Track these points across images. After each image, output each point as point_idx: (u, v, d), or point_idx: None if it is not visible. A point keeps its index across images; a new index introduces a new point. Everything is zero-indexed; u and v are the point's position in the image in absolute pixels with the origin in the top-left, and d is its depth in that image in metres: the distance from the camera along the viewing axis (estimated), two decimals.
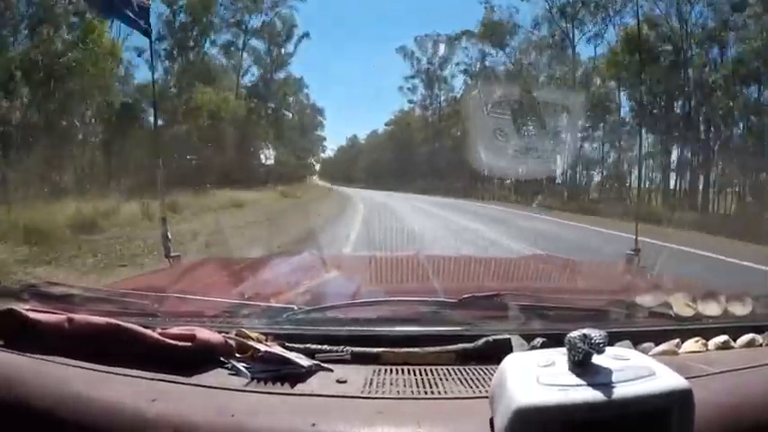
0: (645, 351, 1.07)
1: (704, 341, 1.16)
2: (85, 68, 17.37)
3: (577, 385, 0.73)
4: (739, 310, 1.30)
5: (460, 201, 27.38)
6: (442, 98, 36.64)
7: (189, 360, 0.98)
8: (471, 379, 0.98)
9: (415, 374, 1.00)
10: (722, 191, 20.85)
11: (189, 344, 1.00)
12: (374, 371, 1.02)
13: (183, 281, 2.00)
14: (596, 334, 0.75)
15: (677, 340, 1.15)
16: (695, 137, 21.51)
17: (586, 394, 0.71)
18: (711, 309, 1.30)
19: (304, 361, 1.00)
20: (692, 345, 1.15)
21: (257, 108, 30.70)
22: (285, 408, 0.87)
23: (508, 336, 1.09)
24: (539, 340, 1.08)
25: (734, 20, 19.28)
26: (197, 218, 14.10)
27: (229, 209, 17.69)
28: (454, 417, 0.85)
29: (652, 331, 1.19)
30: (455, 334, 1.15)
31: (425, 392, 0.93)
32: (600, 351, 0.75)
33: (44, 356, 0.98)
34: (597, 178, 27.46)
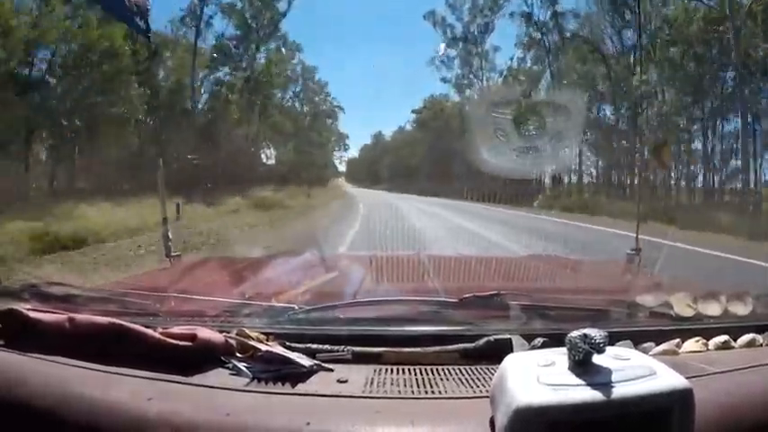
0: (645, 351, 1.07)
1: (705, 341, 1.16)
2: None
3: (578, 385, 0.73)
4: (740, 309, 1.30)
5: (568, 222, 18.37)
6: (484, 77, 30.60)
7: (190, 360, 0.98)
8: (472, 379, 0.98)
9: (415, 374, 1.00)
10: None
11: (190, 343, 1.00)
12: (375, 370, 1.02)
13: (183, 280, 2.00)
14: (597, 334, 0.75)
15: (678, 340, 1.15)
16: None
17: (587, 394, 0.71)
18: (712, 308, 1.30)
19: (305, 361, 1.00)
20: (692, 344, 1.15)
21: (232, 84, 25.25)
22: (286, 408, 0.87)
23: (509, 335, 1.09)
24: (539, 340, 1.08)
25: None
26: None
27: None
28: (455, 416, 0.85)
29: (652, 331, 1.19)
30: (456, 334, 1.15)
31: (426, 392, 0.93)
32: (600, 351, 0.75)
33: (45, 356, 0.98)
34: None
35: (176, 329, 1.04)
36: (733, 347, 1.16)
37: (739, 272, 8.56)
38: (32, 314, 1.04)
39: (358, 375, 0.99)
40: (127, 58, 17.93)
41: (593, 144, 25.17)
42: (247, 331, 1.07)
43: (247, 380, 0.96)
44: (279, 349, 1.03)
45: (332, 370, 1.01)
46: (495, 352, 1.01)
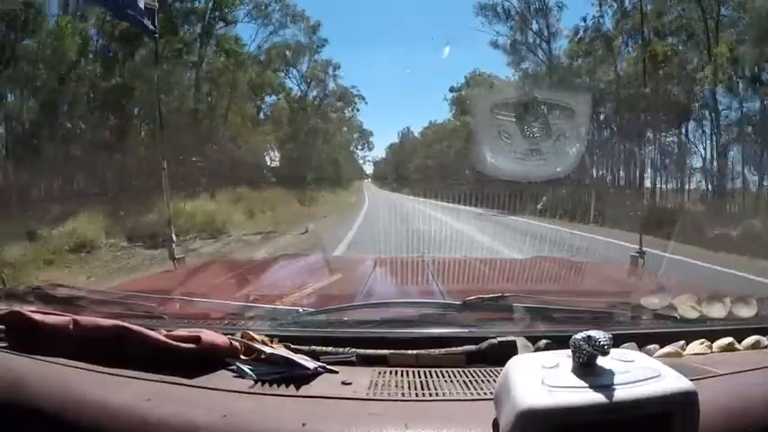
0: (650, 353, 1.08)
1: (709, 343, 1.16)
2: None
3: (582, 387, 0.73)
4: (744, 311, 1.30)
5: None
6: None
7: (194, 362, 0.99)
8: (476, 381, 0.98)
9: (420, 376, 1.00)
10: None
11: (194, 346, 1.00)
12: (379, 373, 1.02)
13: (188, 283, 2.01)
14: (601, 336, 0.75)
15: (682, 342, 1.15)
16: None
17: (591, 396, 0.71)
18: (716, 311, 1.30)
19: (309, 363, 1.00)
20: (696, 347, 1.15)
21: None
22: (286, 409, 0.87)
23: (513, 338, 1.09)
24: (543, 342, 1.08)
25: None
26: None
27: None
28: (459, 419, 0.85)
29: (657, 333, 1.19)
30: (460, 336, 1.15)
31: (430, 394, 0.93)
32: (605, 353, 0.75)
33: (49, 358, 0.98)
34: None
35: (181, 332, 1.04)
36: (737, 349, 1.16)
37: None
38: (37, 316, 1.04)
39: (362, 378, 0.99)
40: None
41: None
42: (252, 334, 1.07)
43: (251, 382, 0.96)
44: (283, 351, 1.03)
45: (336, 372, 1.01)
46: (500, 354, 1.02)
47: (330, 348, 1.08)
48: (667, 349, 1.12)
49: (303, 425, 0.82)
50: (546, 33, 21.84)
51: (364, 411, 0.87)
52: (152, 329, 1.02)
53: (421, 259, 2.51)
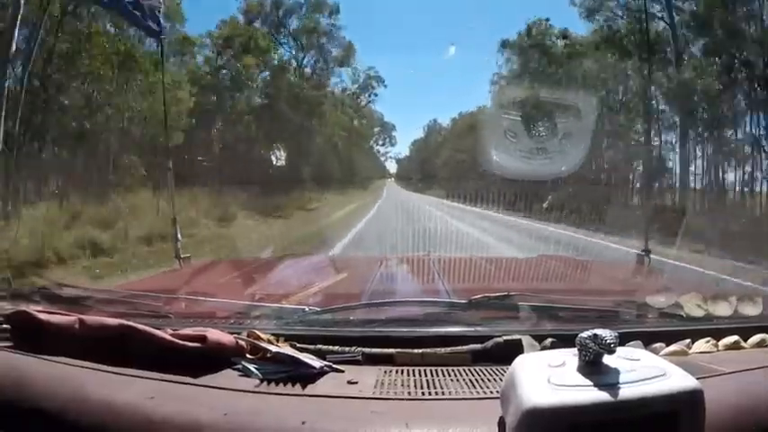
0: (656, 351, 1.07)
1: (715, 341, 1.16)
2: None
3: (588, 386, 0.73)
4: (750, 310, 1.30)
5: None
6: None
7: (200, 361, 0.99)
8: (482, 379, 0.98)
9: (426, 375, 1.01)
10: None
11: (200, 345, 1.01)
12: (385, 372, 1.02)
13: (193, 282, 2.01)
14: (607, 334, 0.75)
15: (688, 340, 1.15)
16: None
17: (597, 395, 0.71)
18: (722, 309, 1.29)
19: (315, 362, 1.00)
20: (702, 345, 1.15)
21: None
22: (293, 408, 0.87)
23: (519, 336, 1.09)
24: (549, 341, 1.08)
25: None
26: None
27: None
28: (465, 417, 0.85)
29: (663, 331, 1.19)
30: (466, 335, 1.15)
31: (437, 393, 0.94)
32: (611, 351, 0.75)
33: (55, 357, 0.99)
34: None
35: (187, 331, 1.04)
36: (743, 348, 1.16)
37: None
38: (43, 316, 1.05)
39: (368, 377, 0.99)
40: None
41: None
42: (258, 333, 1.07)
43: (257, 381, 0.96)
44: (289, 350, 1.03)
45: (342, 371, 1.01)
46: (506, 353, 1.02)
47: (336, 347, 1.08)
48: (673, 348, 1.12)
49: (303, 423, 0.82)
50: None
51: (368, 410, 0.87)
52: (158, 329, 1.03)
53: (427, 258, 2.51)
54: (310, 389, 0.94)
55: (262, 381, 0.96)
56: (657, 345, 1.12)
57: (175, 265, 2.93)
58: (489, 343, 1.09)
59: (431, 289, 1.89)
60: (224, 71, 19.75)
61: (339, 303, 1.36)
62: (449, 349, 1.09)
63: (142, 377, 0.95)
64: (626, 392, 0.71)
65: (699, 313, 1.28)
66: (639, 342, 1.09)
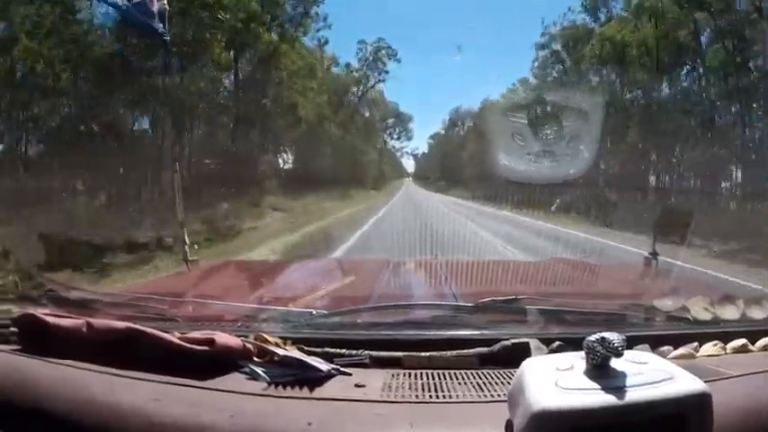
0: (663, 354, 1.07)
1: (723, 344, 1.16)
2: None
3: (596, 389, 0.73)
4: (757, 313, 1.30)
5: None
6: None
7: (207, 364, 0.99)
8: (490, 383, 0.98)
9: (433, 378, 1.01)
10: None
11: (207, 348, 1.01)
12: (393, 375, 1.02)
13: (201, 285, 2.01)
14: (615, 337, 0.75)
15: (695, 344, 1.15)
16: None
17: (605, 398, 0.71)
18: (730, 312, 1.29)
19: (323, 365, 1.01)
20: (710, 348, 1.15)
21: None
22: (299, 411, 0.88)
23: (526, 339, 1.09)
24: (557, 344, 1.08)
25: None
26: None
27: None
28: (473, 421, 0.85)
29: (670, 335, 1.19)
30: (473, 338, 1.15)
31: (444, 396, 0.94)
32: (618, 355, 0.75)
33: (62, 360, 0.99)
34: None
35: (194, 334, 1.04)
36: (751, 351, 1.16)
37: None
38: (50, 319, 1.05)
39: (376, 380, 0.99)
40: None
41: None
42: (265, 336, 1.08)
43: (264, 384, 0.96)
44: (297, 354, 1.03)
45: (350, 374, 1.01)
46: (513, 356, 1.02)
47: (343, 350, 1.08)
48: (681, 351, 1.12)
49: (309, 424, 0.82)
50: None
51: (375, 413, 0.87)
52: (165, 332, 1.03)
53: (434, 261, 2.50)
54: (317, 392, 0.94)
55: (269, 384, 0.96)
56: (665, 348, 1.12)
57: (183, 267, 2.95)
58: (497, 346, 1.09)
59: (438, 292, 1.89)
60: None
61: (346, 306, 1.36)
62: (456, 352, 1.09)
63: (148, 380, 0.95)
64: (633, 396, 0.71)
65: (706, 316, 1.28)
66: (647, 345, 1.08)
